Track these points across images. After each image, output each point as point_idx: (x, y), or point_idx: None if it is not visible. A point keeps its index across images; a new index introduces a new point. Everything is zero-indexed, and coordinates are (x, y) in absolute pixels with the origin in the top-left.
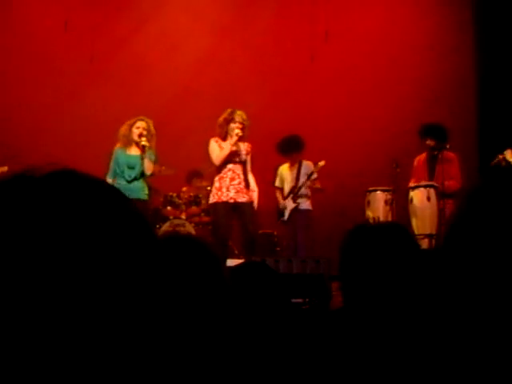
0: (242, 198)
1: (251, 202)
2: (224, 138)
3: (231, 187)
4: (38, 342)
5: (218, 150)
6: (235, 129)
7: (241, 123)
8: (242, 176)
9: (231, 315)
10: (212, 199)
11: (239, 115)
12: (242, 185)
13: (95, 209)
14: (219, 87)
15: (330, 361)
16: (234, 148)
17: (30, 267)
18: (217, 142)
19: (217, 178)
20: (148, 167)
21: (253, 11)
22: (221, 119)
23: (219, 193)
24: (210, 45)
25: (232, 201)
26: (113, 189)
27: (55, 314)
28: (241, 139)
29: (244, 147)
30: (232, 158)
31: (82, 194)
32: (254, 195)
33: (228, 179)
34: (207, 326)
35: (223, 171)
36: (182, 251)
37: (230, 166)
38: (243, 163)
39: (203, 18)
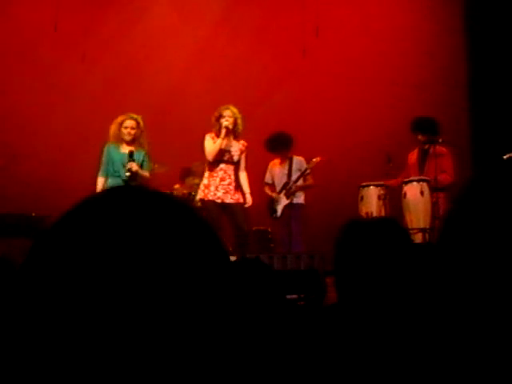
0: (230, 200)
1: (240, 203)
2: (218, 135)
3: (220, 187)
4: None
5: (211, 145)
6: (224, 122)
7: (230, 117)
8: (233, 177)
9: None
10: (199, 195)
11: (227, 109)
12: (232, 186)
13: (171, 226)
14: (210, 84)
15: (325, 356)
16: (226, 142)
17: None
18: (212, 138)
19: (206, 175)
20: (144, 177)
21: (243, 6)
22: (212, 118)
23: (206, 190)
24: (201, 42)
25: (219, 201)
26: (184, 204)
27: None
28: (235, 135)
29: (238, 146)
30: (224, 157)
31: (159, 211)
32: (247, 197)
33: (218, 179)
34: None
35: (215, 170)
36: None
37: (222, 165)
38: (236, 164)
39: (193, 15)
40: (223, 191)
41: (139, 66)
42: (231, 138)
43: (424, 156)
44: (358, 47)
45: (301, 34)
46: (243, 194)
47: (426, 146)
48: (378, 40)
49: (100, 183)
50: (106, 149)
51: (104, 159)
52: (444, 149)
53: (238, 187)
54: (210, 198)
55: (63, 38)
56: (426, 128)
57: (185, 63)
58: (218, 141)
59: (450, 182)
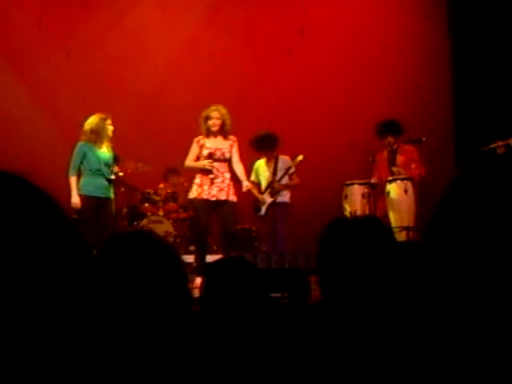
0: (224, 197)
1: (233, 201)
2: (207, 135)
3: (214, 185)
4: None
5: (193, 153)
6: (212, 126)
7: (218, 119)
8: (226, 174)
9: (209, 310)
10: (191, 195)
11: (215, 111)
12: (226, 183)
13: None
14: (195, 83)
15: (309, 354)
16: (209, 163)
17: None
18: (198, 142)
19: (199, 175)
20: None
21: (228, 6)
22: (200, 118)
23: (200, 189)
24: (186, 41)
25: (214, 199)
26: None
27: None
28: (224, 135)
29: (228, 143)
30: (215, 156)
31: None
32: (244, 184)
33: (212, 177)
34: (169, 323)
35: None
36: (139, 248)
37: (214, 164)
38: (227, 160)
39: (178, 15)
40: (217, 189)
41: (124, 64)
42: (220, 138)
43: (393, 156)
44: (343, 46)
45: (285, 34)
46: (239, 187)
47: (395, 146)
48: (363, 39)
49: (74, 181)
50: (80, 148)
51: (77, 157)
52: (409, 146)
53: (231, 183)
54: (204, 196)
55: (47, 35)
56: (394, 129)
57: (169, 62)
58: (199, 163)
59: (420, 177)
